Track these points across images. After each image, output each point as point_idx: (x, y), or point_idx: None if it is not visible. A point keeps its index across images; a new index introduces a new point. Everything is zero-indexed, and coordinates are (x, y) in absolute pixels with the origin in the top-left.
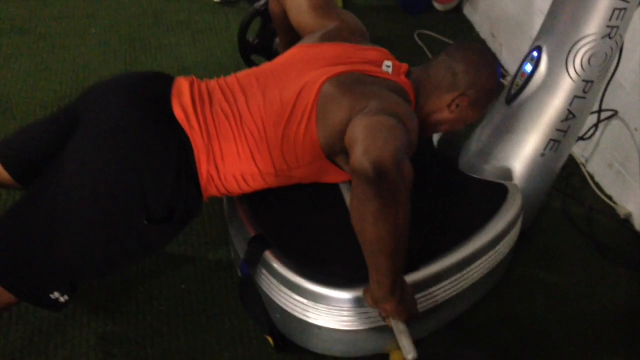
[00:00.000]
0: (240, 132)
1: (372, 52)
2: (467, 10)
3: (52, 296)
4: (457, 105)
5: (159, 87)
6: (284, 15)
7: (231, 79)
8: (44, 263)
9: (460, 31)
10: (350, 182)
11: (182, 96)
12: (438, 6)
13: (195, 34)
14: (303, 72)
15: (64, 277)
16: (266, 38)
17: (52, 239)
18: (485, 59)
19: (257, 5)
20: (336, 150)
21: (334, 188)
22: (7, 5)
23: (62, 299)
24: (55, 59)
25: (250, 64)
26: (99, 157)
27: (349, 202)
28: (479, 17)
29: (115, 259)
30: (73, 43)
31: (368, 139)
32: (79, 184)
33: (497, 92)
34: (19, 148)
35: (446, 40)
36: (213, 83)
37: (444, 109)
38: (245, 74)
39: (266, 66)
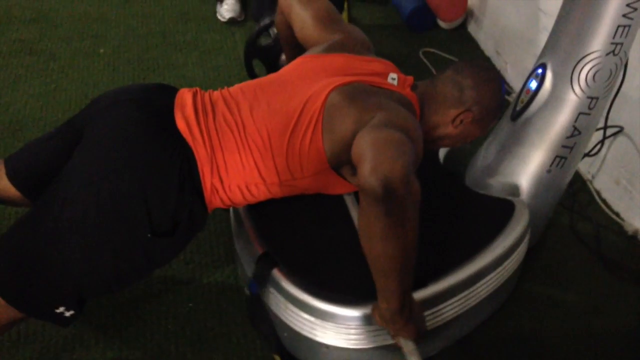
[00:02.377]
0: (244, 142)
1: (377, 63)
2: (472, 28)
3: (57, 311)
4: (461, 121)
5: (161, 99)
6: (290, 29)
7: (235, 89)
8: (48, 277)
9: (465, 49)
10: (355, 195)
11: (185, 108)
12: (443, 24)
13: (202, 54)
14: (309, 81)
15: (68, 291)
16: (275, 49)
17: (57, 253)
18: (491, 77)
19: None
20: (341, 161)
21: (342, 204)
22: (17, 27)
23: (67, 314)
24: (64, 79)
25: (251, 72)
26: (102, 171)
27: (355, 218)
28: (484, 35)
29: (121, 272)
30: (82, 63)
31: (375, 156)
32: (83, 197)
33: (501, 111)
34: (25, 163)
35: (451, 57)
36: (216, 94)
37: (448, 124)
38: (250, 84)
39: (271, 76)
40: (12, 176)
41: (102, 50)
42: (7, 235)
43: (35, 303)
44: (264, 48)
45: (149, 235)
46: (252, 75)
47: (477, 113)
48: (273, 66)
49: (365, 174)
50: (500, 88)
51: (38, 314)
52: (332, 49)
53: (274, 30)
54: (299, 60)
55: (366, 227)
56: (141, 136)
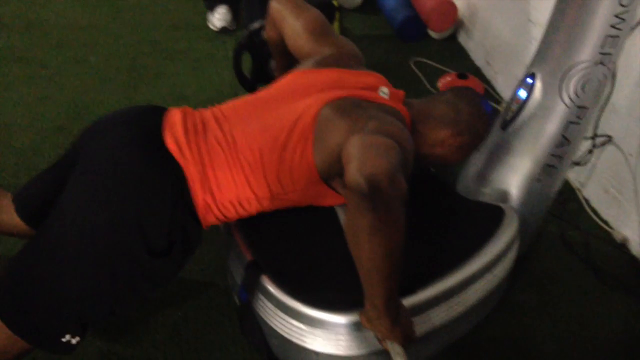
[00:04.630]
0: (235, 159)
1: (368, 77)
2: (462, 38)
3: (63, 339)
4: (450, 144)
5: (150, 120)
6: (281, 40)
7: (226, 106)
8: (52, 306)
9: (456, 59)
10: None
11: (175, 127)
12: (433, 34)
13: (193, 62)
14: (300, 97)
15: (73, 319)
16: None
17: (58, 281)
18: (485, 108)
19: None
20: (332, 173)
21: (331, 212)
22: (7, 34)
23: (73, 341)
24: (54, 87)
25: (239, 68)
26: (94, 196)
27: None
28: (474, 45)
29: (123, 296)
30: (72, 72)
31: (363, 155)
32: (78, 224)
33: (481, 144)
34: (32, 198)
35: (442, 67)
36: (207, 112)
37: (437, 143)
38: (241, 101)
39: (261, 93)
40: (20, 211)
41: (92, 59)
42: (10, 266)
43: (42, 333)
44: (259, 43)
45: (145, 256)
46: (239, 72)
47: (466, 139)
48: (262, 66)
49: (351, 172)
50: (490, 123)
51: (46, 344)
52: (323, 63)
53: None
54: (290, 76)
55: (352, 225)
56: (130, 159)
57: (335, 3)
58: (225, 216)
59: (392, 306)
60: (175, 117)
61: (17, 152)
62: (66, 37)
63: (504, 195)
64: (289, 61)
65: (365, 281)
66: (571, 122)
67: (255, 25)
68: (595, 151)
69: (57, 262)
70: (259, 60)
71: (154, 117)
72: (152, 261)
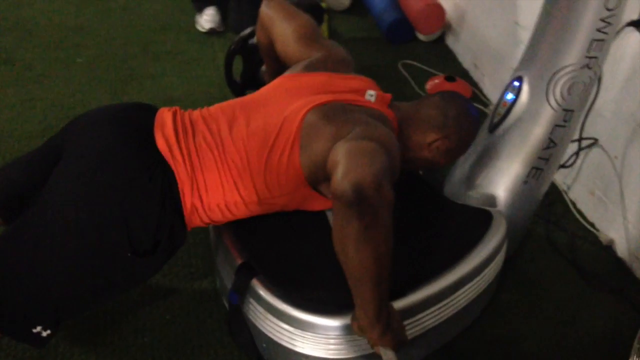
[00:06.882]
0: (223, 162)
1: (355, 81)
2: (450, 41)
3: (34, 330)
4: (437, 147)
5: (141, 119)
6: (271, 44)
7: (214, 109)
8: (26, 296)
9: (443, 61)
10: None
11: (165, 127)
12: (421, 37)
13: (182, 64)
14: (286, 102)
15: (47, 310)
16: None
17: (36, 272)
18: (472, 114)
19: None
20: (319, 179)
21: (321, 214)
22: None
23: (44, 334)
24: (41, 89)
25: (229, 72)
26: (82, 191)
27: None
28: (461, 48)
29: (100, 292)
30: (59, 73)
31: (348, 162)
32: (62, 217)
33: (468, 149)
34: (5, 186)
35: (429, 69)
36: (196, 113)
37: (424, 147)
38: (229, 104)
39: (250, 96)
40: None
41: (79, 60)
42: None
43: (13, 322)
44: (251, 48)
45: (128, 254)
46: (230, 77)
47: (453, 143)
48: (252, 71)
49: (337, 180)
50: (477, 128)
51: (15, 333)
52: (311, 67)
53: None
54: (278, 80)
55: (339, 232)
56: (121, 156)
57: (323, 5)
58: (211, 219)
59: (383, 313)
60: (166, 117)
61: (3, 155)
62: (53, 38)
63: (492, 198)
64: (280, 66)
65: (354, 289)
66: (558, 125)
67: (247, 30)
68: (581, 153)
69: (36, 255)
70: (250, 66)
71: (145, 115)
72: (134, 260)
